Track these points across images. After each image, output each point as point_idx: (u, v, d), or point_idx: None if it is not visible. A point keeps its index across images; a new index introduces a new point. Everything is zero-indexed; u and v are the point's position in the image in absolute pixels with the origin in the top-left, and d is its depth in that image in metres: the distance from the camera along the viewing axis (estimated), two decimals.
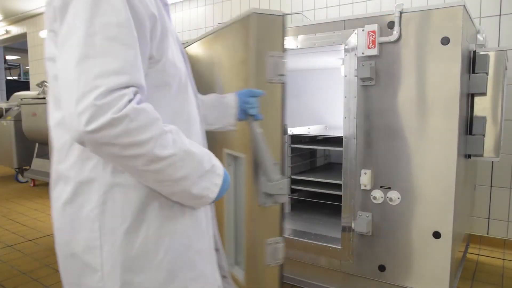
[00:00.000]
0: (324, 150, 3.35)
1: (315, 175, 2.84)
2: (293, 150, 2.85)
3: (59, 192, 0.87)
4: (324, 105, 3.54)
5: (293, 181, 2.86)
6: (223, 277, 1.10)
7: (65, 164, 0.85)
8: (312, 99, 3.61)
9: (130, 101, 0.72)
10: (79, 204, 0.83)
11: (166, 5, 0.94)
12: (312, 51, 2.30)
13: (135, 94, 0.74)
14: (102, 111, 0.69)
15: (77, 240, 0.84)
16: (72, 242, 0.85)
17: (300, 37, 2.11)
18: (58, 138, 0.87)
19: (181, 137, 0.83)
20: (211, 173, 0.88)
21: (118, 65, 0.73)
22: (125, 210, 0.82)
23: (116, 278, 0.82)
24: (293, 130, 2.86)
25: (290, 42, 2.16)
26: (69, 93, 0.71)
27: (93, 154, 0.80)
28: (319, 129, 3.25)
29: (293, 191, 2.88)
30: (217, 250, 1.08)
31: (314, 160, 3.26)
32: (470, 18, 1.92)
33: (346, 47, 1.96)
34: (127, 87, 0.73)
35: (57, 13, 0.77)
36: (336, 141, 2.76)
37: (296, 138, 2.89)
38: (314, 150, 3.22)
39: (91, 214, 0.82)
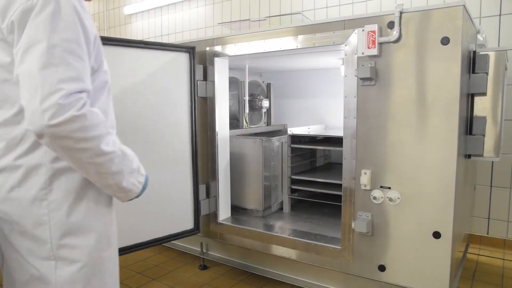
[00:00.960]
0: (324, 150, 3.35)
1: (315, 175, 2.84)
2: (293, 150, 2.85)
3: (2, 182, 1.00)
4: (324, 105, 3.54)
5: (293, 181, 2.86)
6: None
7: (13, 155, 0.99)
8: (312, 99, 3.61)
9: (85, 103, 0.90)
10: (28, 187, 0.99)
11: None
12: (312, 51, 2.30)
13: (87, 98, 0.92)
14: (65, 110, 0.85)
15: (27, 218, 0.99)
16: (21, 221, 0.99)
17: (300, 37, 2.11)
18: (5, 134, 1.00)
19: (116, 138, 1.03)
20: (137, 172, 1.09)
21: (75, 73, 0.90)
22: (69, 189, 1.01)
23: (62, 246, 1.00)
24: (293, 130, 2.86)
25: (290, 42, 2.16)
26: (33, 94, 0.85)
27: (40, 145, 0.97)
28: (319, 129, 3.25)
29: (293, 191, 2.88)
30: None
31: (314, 160, 3.26)
32: (470, 18, 1.92)
33: (346, 47, 1.96)
34: (82, 91, 0.91)
35: (15, 25, 0.90)
36: (336, 141, 2.76)
37: (296, 138, 2.89)
38: (314, 150, 3.22)
39: (40, 194, 0.99)
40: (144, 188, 1.13)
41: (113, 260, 1.14)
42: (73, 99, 0.87)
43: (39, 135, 0.88)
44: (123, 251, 2.26)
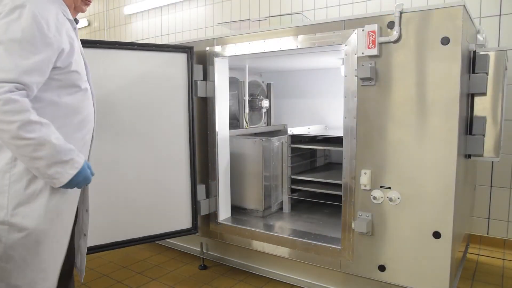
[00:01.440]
0: (324, 150, 3.35)
1: (315, 175, 2.84)
2: (293, 150, 2.85)
3: None
4: (324, 105, 3.54)
5: (293, 181, 2.86)
6: (84, 235, 1.56)
7: None
8: (312, 99, 3.61)
9: (8, 92, 1.06)
10: None
11: (75, 28, 1.39)
12: (312, 51, 2.30)
13: (18, 89, 1.09)
14: None
15: None
16: None
17: (300, 37, 2.11)
18: None
19: (50, 130, 1.17)
20: (67, 164, 1.21)
21: (8, 67, 1.09)
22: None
23: (15, 214, 1.18)
24: (293, 130, 2.86)
25: (290, 42, 2.16)
26: None
27: None
28: (319, 129, 3.25)
29: (293, 191, 2.88)
30: (86, 211, 1.54)
31: (314, 160, 3.27)
32: (470, 18, 1.92)
33: (346, 47, 1.96)
34: (10, 82, 1.08)
35: None
36: (336, 141, 2.76)
37: (296, 138, 2.89)
38: (314, 150, 3.22)
39: (5, 168, 1.19)
40: (76, 181, 1.24)
41: (58, 238, 1.30)
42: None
43: None
44: (117, 245, 2.27)
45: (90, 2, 1.46)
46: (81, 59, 1.38)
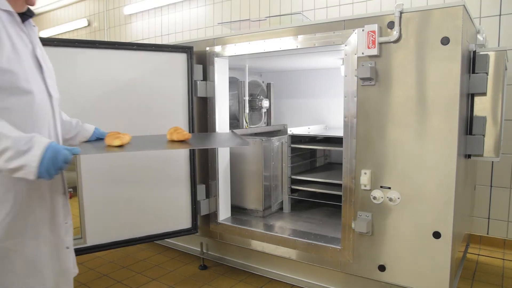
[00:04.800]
0: (324, 150, 3.35)
1: (315, 175, 2.84)
2: (293, 150, 2.85)
3: None
4: (324, 105, 3.54)
5: (293, 181, 2.86)
6: (67, 247, 1.38)
7: None
8: (312, 99, 3.61)
9: None
10: None
11: (17, 22, 1.22)
12: (312, 51, 2.30)
13: None
14: None
15: None
16: None
17: (300, 37, 2.11)
18: None
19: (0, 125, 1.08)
20: (27, 153, 1.08)
21: None
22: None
23: None
24: (293, 130, 2.86)
25: (290, 42, 2.16)
26: None
27: None
28: (319, 129, 3.25)
29: (293, 191, 2.88)
30: (66, 223, 1.39)
31: (314, 160, 3.27)
32: (470, 18, 1.92)
33: (346, 47, 1.96)
34: None
35: None
36: (336, 141, 2.76)
37: (296, 138, 2.89)
38: (314, 150, 3.23)
39: None
40: (46, 167, 1.10)
41: (18, 252, 1.20)
42: None
43: None
44: (117, 245, 2.27)
45: None
46: (22, 57, 1.20)
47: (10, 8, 1.19)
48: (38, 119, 1.23)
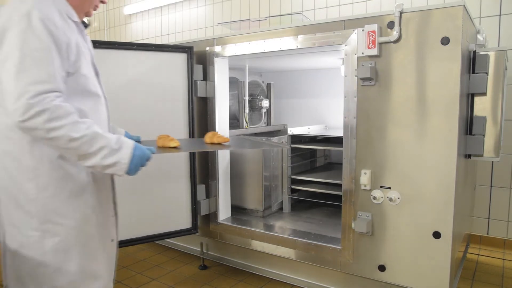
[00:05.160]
0: (324, 150, 3.35)
1: (315, 175, 2.84)
2: (293, 150, 2.85)
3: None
4: (324, 105, 3.54)
5: (293, 181, 2.86)
6: (112, 240, 1.45)
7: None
8: (312, 99, 3.61)
9: (52, 100, 1.09)
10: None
11: (82, 31, 1.34)
12: (312, 51, 2.30)
13: (57, 96, 1.11)
14: (31, 107, 1.06)
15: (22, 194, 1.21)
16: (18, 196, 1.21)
17: (300, 37, 2.11)
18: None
19: (93, 127, 1.17)
20: (118, 151, 1.20)
21: (42, 77, 1.10)
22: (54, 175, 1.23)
23: (47, 219, 1.21)
24: (293, 130, 2.86)
25: (290, 42, 2.16)
26: (10, 96, 1.08)
27: None
28: (319, 129, 3.25)
29: (293, 191, 2.88)
30: (113, 216, 1.48)
31: (314, 160, 3.27)
32: (470, 18, 1.92)
33: (346, 47, 1.96)
34: (50, 92, 1.10)
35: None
36: (336, 141, 2.76)
37: (296, 138, 2.89)
38: (314, 150, 3.23)
39: (30, 176, 1.19)
40: (135, 164, 1.24)
41: (91, 239, 1.30)
42: (40, 98, 1.07)
43: (18, 130, 1.12)
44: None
45: (98, 7, 1.42)
46: (90, 63, 1.34)
47: (77, 19, 1.30)
48: (101, 120, 1.36)
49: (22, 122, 1.07)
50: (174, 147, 1.62)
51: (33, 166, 1.19)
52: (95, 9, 1.40)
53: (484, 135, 1.94)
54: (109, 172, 1.22)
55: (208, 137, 1.85)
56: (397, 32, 1.79)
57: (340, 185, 2.08)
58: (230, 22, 2.92)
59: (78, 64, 1.23)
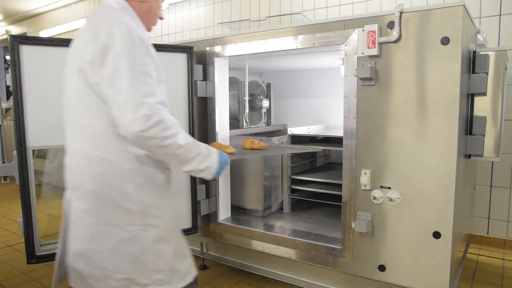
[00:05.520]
0: (324, 150, 3.35)
1: (315, 175, 2.84)
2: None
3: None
4: (324, 105, 3.54)
5: (293, 181, 2.86)
6: None
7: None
8: (312, 99, 3.61)
9: (163, 112, 1.20)
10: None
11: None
12: (312, 51, 2.30)
13: (163, 108, 1.22)
14: (150, 118, 1.16)
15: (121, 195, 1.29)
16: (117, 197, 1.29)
17: (300, 37, 2.11)
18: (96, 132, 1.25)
19: (189, 136, 1.32)
20: (209, 157, 1.37)
21: (151, 89, 1.20)
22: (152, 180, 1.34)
23: (146, 214, 1.32)
24: (293, 130, 2.86)
25: (290, 42, 2.16)
26: (124, 107, 1.16)
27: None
28: (319, 129, 3.25)
29: (293, 191, 2.88)
30: None
31: (314, 160, 3.26)
32: (470, 18, 1.92)
33: (346, 47, 1.96)
34: (158, 103, 1.20)
35: (97, 55, 1.18)
36: (336, 141, 2.76)
37: (296, 138, 2.89)
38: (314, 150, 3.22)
39: (129, 177, 1.28)
40: (221, 168, 1.41)
41: (176, 224, 1.47)
42: (155, 109, 1.18)
43: (134, 139, 1.19)
44: None
45: (156, 24, 1.49)
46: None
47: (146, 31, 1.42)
48: None
49: (142, 131, 1.15)
50: (230, 153, 1.76)
51: (130, 168, 1.27)
52: (154, 25, 1.50)
53: (484, 135, 1.94)
54: (200, 175, 1.38)
55: (248, 144, 2.00)
56: (397, 32, 1.79)
57: (340, 185, 2.08)
58: (230, 22, 2.92)
59: (159, 77, 1.32)
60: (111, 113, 1.20)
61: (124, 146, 1.25)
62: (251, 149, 1.99)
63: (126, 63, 1.17)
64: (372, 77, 1.86)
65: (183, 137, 1.27)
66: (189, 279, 1.42)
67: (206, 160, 1.35)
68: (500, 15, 2.81)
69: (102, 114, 1.23)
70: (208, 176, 1.38)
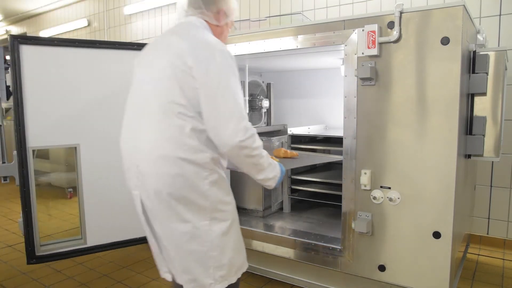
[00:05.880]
0: (324, 150, 3.35)
1: (315, 175, 2.84)
2: (293, 150, 2.85)
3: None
4: (324, 105, 3.54)
5: (293, 181, 2.86)
6: None
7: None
8: (312, 99, 3.61)
9: (252, 126, 1.36)
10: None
11: None
12: (312, 51, 2.30)
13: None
14: (247, 130, 1.33)
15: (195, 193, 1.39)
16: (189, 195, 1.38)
17: (300, 37, 2.11)
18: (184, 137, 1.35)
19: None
20: (276, 167, 1.53)
21: (243, 104, 1.36)
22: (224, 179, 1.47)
23: (216, 209, 1.42)
24: (293, 130, 2.86)
25: (290, 42, 2.16)
26: (229, 119, 1.31)
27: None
28: (319, 129, 3.25)
29: (293, 191, 2.88)
30: None
31: None
32: (470, 18, 1.92)
33: (346, 47, 1.96)
34: (247, 119, 1.36)
35: (200, 66, 1.31)
36: (336, 141, 2.76)
37: (296, 138, 2.89)
38: (314, 150, 3.22)
39: (204, 175, 1.39)
40: (281, 178, 1.56)
41: (237, 220, 1.55)
42: (248, 123, 1.35)
43: (231, 148, 1.32)
44: (118, 245, 2.28)
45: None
46: None
47: None
48: None
49: (241, 142, 1.31)
50: (294, 157, 1.97)
51: (207, 168, 1.38)
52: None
53: (484, 135, 1.94)
54: (267, 183, 1.52)
55: (281, 153, 2.13)
56: (397, 32, 1.79)
57: (340, 185, 2.08)
58: None
59: None
60: (203, 120, 1.33)
61: (203, 148, 1.36)
62: (284, 157, 2.13)
63: (230, 78, 1.32)
64: (372, 77, 1.86)
65: (263, 149, 1.45)
66: (240, 273, 1.52)
67: (274, 169, 1.51)
68: (500, 15, 2.81)
69: (189, 118, 1.33)
70: (272, 184, 1.52)
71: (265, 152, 1.46)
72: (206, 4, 1.51)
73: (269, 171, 1.48)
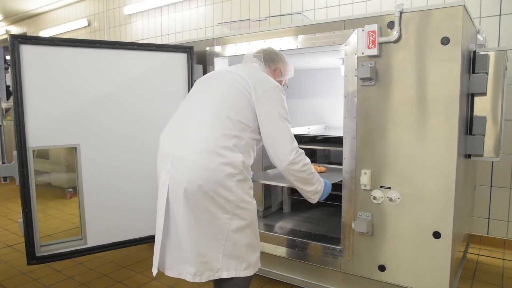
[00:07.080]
0: (324, 150, 3.35)
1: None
2: None
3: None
4: (324, 105, 3.54)
5: None
6: None
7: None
8: (312, 99, 3.61)
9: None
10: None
11: None
12: (312, 51, 2.30)
13: None
14: (298, 150, 1.65)
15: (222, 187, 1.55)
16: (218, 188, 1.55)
17: (300, 37, 2.11)
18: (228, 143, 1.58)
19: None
20: (322, 182, 1.82)
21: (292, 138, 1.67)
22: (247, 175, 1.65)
23: (239, 206, 1.58)
24: (293, 130, 2.85)
25: (290, 42, 2.16)
26: (286, 142, 1.63)
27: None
28: (319, 129, 3.25)
29: (293, 191, 2.88)
30: None
31: (314, 160, 3.26)
32: (470, 18, 1.92)
33: (346, 47, 1.96)
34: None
35: (264, 95, 1.63)
36: (336, 141, 2.76)
37: (296, 138, 2.87)
38: (314, 150, 3.22)
39: (234, 172, 1.56)
40: (326, 193, 1.85)
41: (256, 221, 1.71)
42: (297, 145, 1.66)
43: (287, 164, 1.62)
44: (118, 245, 2.28)
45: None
46: None
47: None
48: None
49: (294, 159, 1.61)
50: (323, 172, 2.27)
51: (237, 168, 1.56)
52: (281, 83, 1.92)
53: (484, 135, 1.94)
54: (313, 197, 1.79)
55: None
56: (397, 32, 1.79)
57: (340, 185, 2.08)
58: (230, 22, 2.92)
59: None
60: (262, 139, 1.66)
61: (238, 151, 1.58)
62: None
63: (284, 109, 1.65)
64: (372, 77, 1.86)
65: (311, 166, 1.71)
66: (252, 271, 1.66)
67: (321, 184, 1.79)
68: (500, 15, 2.81)
69: (235, 126, 1.59)
70: (316, 197, 1.80)
71: (313, 169, 1.72)
72: (266, 60, 1.84)
73: (317, 185, 1.76)
